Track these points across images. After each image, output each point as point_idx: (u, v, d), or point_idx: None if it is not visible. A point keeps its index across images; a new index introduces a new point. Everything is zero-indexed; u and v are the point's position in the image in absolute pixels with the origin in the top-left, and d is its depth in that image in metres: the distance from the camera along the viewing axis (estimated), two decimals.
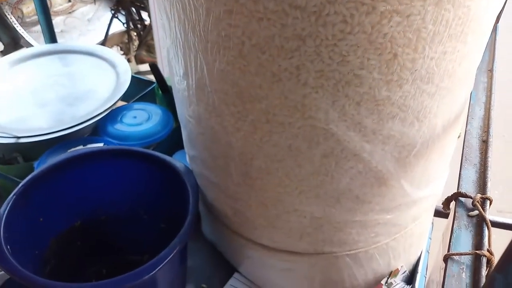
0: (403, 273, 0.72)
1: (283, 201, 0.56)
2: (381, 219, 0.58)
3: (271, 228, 0.61)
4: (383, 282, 0.69)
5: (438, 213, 0.78)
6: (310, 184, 0.53)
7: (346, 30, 0.39)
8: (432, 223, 0.89)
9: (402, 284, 0.71)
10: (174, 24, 0.50)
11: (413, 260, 0.75)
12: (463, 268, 0.41)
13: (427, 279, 0.66)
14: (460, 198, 0.48)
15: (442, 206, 0.49)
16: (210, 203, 0.69)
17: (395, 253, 0.67)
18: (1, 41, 2.16)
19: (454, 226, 0.44)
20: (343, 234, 0.59)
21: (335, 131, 0.47)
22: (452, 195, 0.48)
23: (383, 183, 0.53)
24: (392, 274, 0.70)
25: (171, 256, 0.57)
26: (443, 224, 0.67)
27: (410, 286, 0.71)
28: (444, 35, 0.42)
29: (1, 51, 2.14)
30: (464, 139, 0.52)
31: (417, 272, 0.73)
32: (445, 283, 0.39)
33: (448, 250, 0.42)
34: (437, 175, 0.61)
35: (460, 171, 0.49)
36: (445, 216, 0.80)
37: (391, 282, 0.70)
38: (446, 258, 0.42)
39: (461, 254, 0.41)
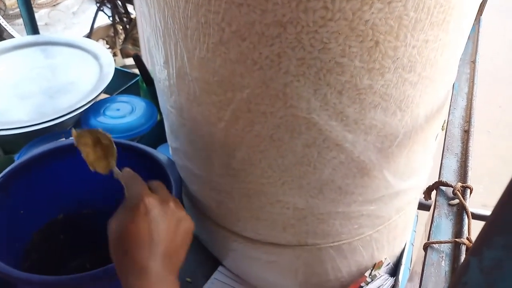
0: (387, 265, 0.72)
1: (266, 192, 0.55)
2: (364, 210, 0.58)
3: (254, 220, 0.60)
4: (367, 274, 0.69)
5: (423, 206, 0.78)
6: (293, 174, 0.52)
7: (327, 16, 0.39)
8: (417, 216, 0.89)
9: (386, 276, 0.71)
10: (154, 11, 0.49)
11: (397, 253, 0.75)
12: (442, 256, 0.41)
13: (410, 271, 0.66)
14: (441, 187, 0.48)
15: (423, 195, 0.49)
16: (194, 196, 0.68)
17: (379, 245, 0.67)
18: None
19: (435, 215, 0.43)
20: (327, 225, 0.59)
21: (317, 121, 0.46)
22: (433, 184, 0.48)
23: (366, 174, 0.53)
24: (376, 266, 0.70)
25: None
26: (423, 215, 0.67)
27: (394, 278, 0.71)
28: (425, 22, 0.41)
29: None
30: (446, 129, 0.52)
31: (401, 264, 0.74)
32: (424, 271, 0.39)
33: (428, 239, 0.42)
34: (420, 166, 0.61)
35: (441, 160, 0.49)
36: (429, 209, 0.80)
37: (375, 274, 0.70)
38: (426, 247, 0.41)
39: (440, 242, 0.40)
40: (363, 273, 0.69)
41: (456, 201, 0.46)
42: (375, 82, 0.44)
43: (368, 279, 0.69)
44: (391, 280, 0.70)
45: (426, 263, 0.40)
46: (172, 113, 0.58)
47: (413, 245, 0.83)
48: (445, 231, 0.42)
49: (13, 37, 2.02)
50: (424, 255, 0.42)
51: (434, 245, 0.42)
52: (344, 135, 0.48)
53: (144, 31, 0.56)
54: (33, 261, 0.71)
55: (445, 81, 0.52)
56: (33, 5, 1.24)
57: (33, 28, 1.19)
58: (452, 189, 0.46)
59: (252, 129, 0.49)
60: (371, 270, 0.69)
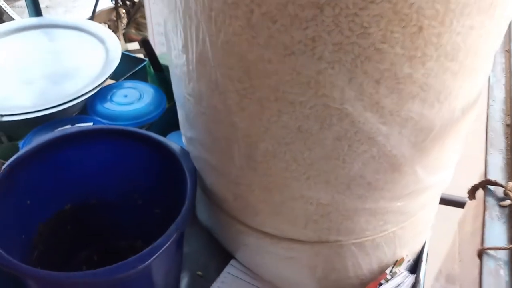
0: (408, 261, 0.69)
1: (289, 187, 0.52)
2: (391, 207, 0.55)
3: (274, 215, 0.57)
4: (387, 271, 0.67)
5: (444, 201, 0.75)
6: (319, 169, 0.49)
7: None
8: None
9: (406, 273, 0.69)
10: None
11: (417, 249, 0.72)
12: (500, 264, 0.38)
13: (436, 270, 0.64)
14: (489, 186, 0.45)
15: (467, 195, 0.46)
16: (208, 188, 0.65)
17: (402, 242, 0.64)
18: None
19: (486, 218, 0.40)
20: (351, 222, 0.56)
21: (350, 112, 0.43)
22: (480, 183, 0.45)
23: (397, 169, 0.50)
24: (398, 263, 0.67)
25: (167, 244, 0.53)
26: (455, 213, 0.64)
27: (414, 275, 0.69)
28: (473, 7, 0.38)
29: None
30: (487, 123, 0.48)
31: (421, 261, 0.71)
32: (483, 281, 0.36)
33: (482, 244, 0.39)
34: (449, 160, 0.58)
35: (485, 156, 0.45)
36: (450, 204, 0.77)
37: (395, 271, 0.67)
38: (480, 253, 0.38)
39: (497, 248, 0.37)
40: (384, 270, 0.67)
41: (508, 202, 0.42)
42: (415, 71, 0.41)
43: (389, 276, 0.66)
44: (411, 278, 0.68)
45: (483, 271, 0.37)
46: (189, 101, 0.54)
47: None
48: (499, 235, 0.39)
49: (13, 19, 1.97)
50: (479, 262, 0.39)
51: (489, 251, 0.39)
52: (378, 127, 0.44)
53: (156, 18, 0.52)
54: (40, 252, 0.69)
55: (483, 71, 0.48)
56: None
57: (36, 10, 1.15)
58: (503, 189, 0.43)
59: (279, 120, 0.46)
60: (392, 267, 0.67)
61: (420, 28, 0.38)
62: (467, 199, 0.54)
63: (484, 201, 0.42)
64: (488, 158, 0.45)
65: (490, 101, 0.52)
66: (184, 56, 0.49)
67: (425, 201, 0.60)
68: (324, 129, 0.45)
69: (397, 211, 0.57)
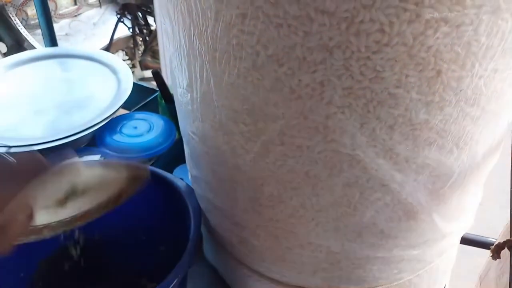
0: None
1: (296, 233, 0.49)
2: (407, 255, 0.51)
3: (281, 261, 0.54)
4: None
5: (464, 241, 0.70)
6: (328, 216, 0.46)
7: (382, 41, 0.33)
8: None
9: None
10: (178, 29, 0.43)
11: None
12: None
13: None
14: None
15: (491, 254, 0.42)
16: (213, 228, 0.62)
17: None
18: (5, 43, 2.12)
19: None
20: (363, 271, 0.52)
21: (362, 158, 0.40)
22: (504, 242, 0.41)
23: (412, 217, 0.46)
24: None
25: None
26: (472, 253, 0.59)
27: None
28: (497, 49, 0.35)
29: (4, 53, 2.09)
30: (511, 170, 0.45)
31: None
32: None
33: None
34: (469, 205, 0.54)
35: (511, 211, 0.41)
36: (474, 244, 0.73)
37: None
38: None
39: None
40: None
41: None
42: (432, 117, 0.38)
43: None
44: None
45: None
46: (194, 140, 0.52)
47: None
48: None
49: (34, 47, 2.01)
50: None
51: None
52: (392, 174, 0.41)
53: (167, 50, 0.51)
54: None
55: (508, 114, 0.45)
56: (54, 16, 1.22)
57: (51, 40, 1.16)
58: None
59: (285, 164, 0.43)
60: None
61: (439, 72, 0.35)
62: (494, 239, 0.50)
63: (511, 265, 0.38)
64: None
65: None
66: (189, 94, 0.47)
67: (443, 248, 0.56)
68: (334, 175, 0.42)
69: (412, 259, 0.53)
